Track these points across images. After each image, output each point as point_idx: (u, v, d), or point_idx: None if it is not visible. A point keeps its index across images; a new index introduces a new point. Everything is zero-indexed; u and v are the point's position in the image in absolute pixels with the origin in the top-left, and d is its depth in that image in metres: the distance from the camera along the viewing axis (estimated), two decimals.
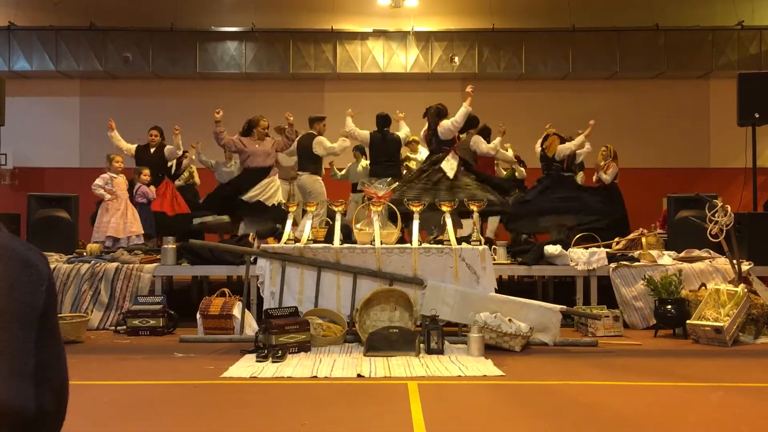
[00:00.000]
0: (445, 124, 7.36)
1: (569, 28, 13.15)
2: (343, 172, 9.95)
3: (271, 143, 8.17)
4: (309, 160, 8.33)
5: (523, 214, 8.40)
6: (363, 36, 13.38)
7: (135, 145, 9.14)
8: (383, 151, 8.34)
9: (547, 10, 13.28)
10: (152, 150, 9.03)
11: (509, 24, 13.31)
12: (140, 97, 13.73)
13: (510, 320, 5.16)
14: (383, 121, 8.40)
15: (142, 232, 8.13)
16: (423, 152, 9.37)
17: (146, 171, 8.64)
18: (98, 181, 8.06)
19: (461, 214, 7.16)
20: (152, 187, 8.64)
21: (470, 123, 7.87)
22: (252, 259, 5.92)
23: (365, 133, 8.41)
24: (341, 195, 9.16)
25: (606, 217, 8.35)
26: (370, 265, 5.69)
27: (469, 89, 7.34)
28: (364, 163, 9.84)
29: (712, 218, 5.88)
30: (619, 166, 9.23)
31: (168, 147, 8.95)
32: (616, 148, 9.42)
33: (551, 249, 6.57)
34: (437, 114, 7.46)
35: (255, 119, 8.17)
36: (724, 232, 5.81)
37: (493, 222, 9.40)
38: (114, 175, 8.16)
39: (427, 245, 5.86)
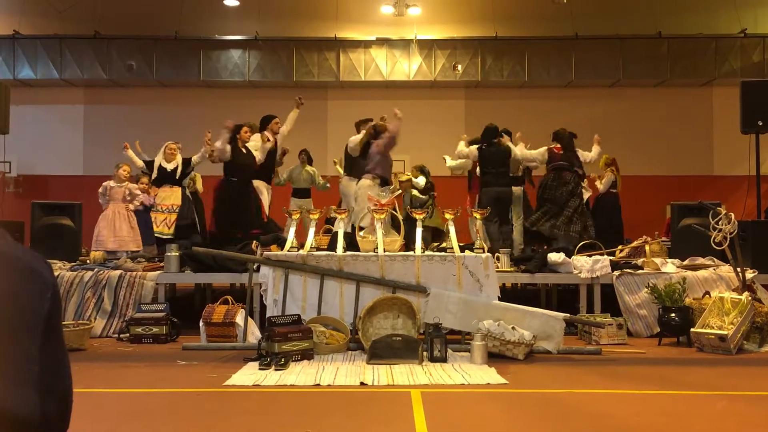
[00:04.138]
0: (587, 155, 8.31)
1: (572, 36, 13.17)
2: (284, 176, 9.52)
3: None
4: (348, 164, 8.41)
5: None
6: (366, 44, 13.42)
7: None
8: (492, 161, 8.25)
9: (550, 18, 13.30)
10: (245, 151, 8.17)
11: (512, 32, 13.34)
12: (144, 105, 13.79)
13: (513, 328, 5.15)
14: (492, 132, 8.31)
15: (129, 245, 7.85)
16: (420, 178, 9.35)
17: (144, 179, 8.61)
18: (100, 189, 8.09)
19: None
20: (143, 195, 8.25)
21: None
22: (255, 266, 5.93)
23: (473, 149, 8.40)
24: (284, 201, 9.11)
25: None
26: (373, 272, 5.68)
27: (598, 137, 8.46)
28: (309, 168, 9.71)
29: (716, 226, 5.87)
30: (620, 174, 9.20)
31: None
32: (619, 156, 9.40)
33: (554, 257, 6.57)
34: (574, 137, 8.34)
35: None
36: (728, 239, 5.80)
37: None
38: (112, 184, 8.11)
39: (430, 253, 5.87)
